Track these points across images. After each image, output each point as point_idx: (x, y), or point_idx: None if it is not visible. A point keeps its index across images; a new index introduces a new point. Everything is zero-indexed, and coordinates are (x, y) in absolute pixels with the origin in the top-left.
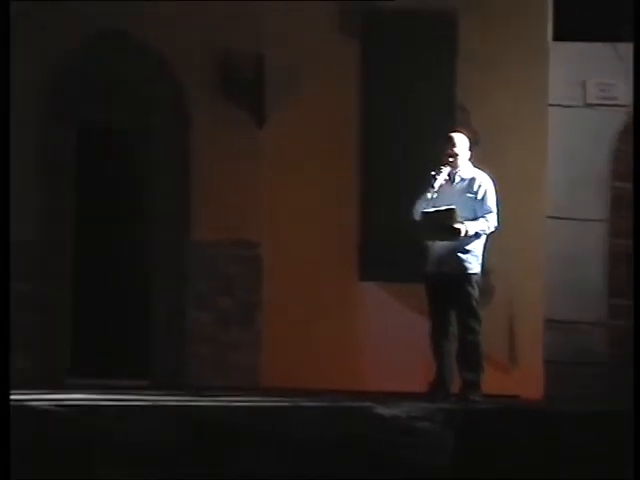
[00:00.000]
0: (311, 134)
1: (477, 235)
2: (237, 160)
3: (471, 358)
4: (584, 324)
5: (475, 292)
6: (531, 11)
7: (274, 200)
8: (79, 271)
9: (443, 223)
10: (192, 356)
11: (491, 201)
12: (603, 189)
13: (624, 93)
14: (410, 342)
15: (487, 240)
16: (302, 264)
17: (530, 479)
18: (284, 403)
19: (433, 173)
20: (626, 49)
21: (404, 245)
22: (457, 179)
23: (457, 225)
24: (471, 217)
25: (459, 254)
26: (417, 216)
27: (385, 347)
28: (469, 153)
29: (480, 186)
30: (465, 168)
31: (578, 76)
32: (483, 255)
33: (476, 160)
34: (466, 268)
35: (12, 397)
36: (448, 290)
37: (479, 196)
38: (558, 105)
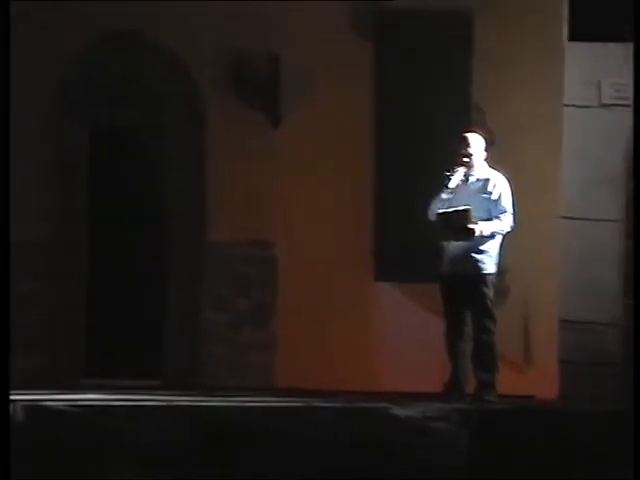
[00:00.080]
0: (326, 134)
1: (492, 235)
2: (252, 160)
3: (486, 358)
4: (599, 324)
5: (490, 292)
6: (546, 11)
7: (289, 200)
8: (94, 271)
9: (458, 223)
10: (207, 356)
11: (506, 201)
12: (618, 189)
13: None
14: (425, 342)
15: (502, 240)
16: (317, 264)
17: (545, 479)
18: (298, 404)
19: (448, 173)
20: None
21: (419, 245)
22: (472, 179)
23: (472, 225)
24: (486, 217)
25: (474, 254)
26: (432, 216)
27: (400, 347)
28: (484, 153)
29: (495, 186)
30: (480, 168)
31: (593, 76)
32: (498, 255)
33: (491, 160)
34: (481, 268)
35: (27, 397)
36: (463, 290)
37: (494, 196)
38: (573, 105)
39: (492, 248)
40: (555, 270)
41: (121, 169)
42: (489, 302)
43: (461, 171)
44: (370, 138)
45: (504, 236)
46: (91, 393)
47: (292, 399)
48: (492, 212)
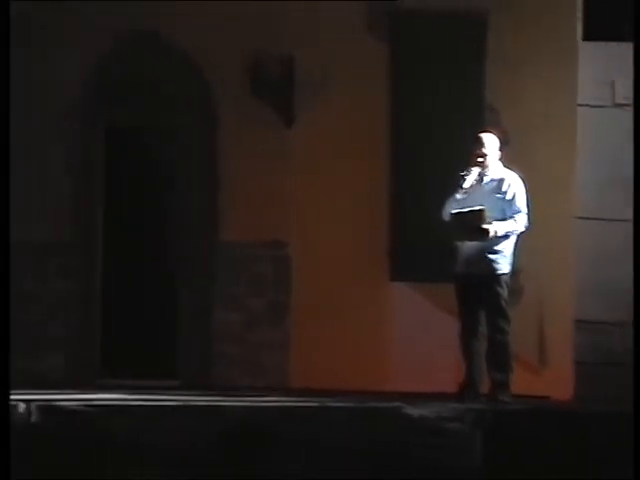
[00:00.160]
0: (340, 134)
1: (506, 235)
2: (266, 160)
3: (500, 358)
4: (613, 324)
5: (504, 292)
6: (561, 11)
7: (303, 200)
8: (108, 271)
9: (472, 224)
10: (220, 356)
11: (520, 201)
12: (632, 189)
13: None
14: (439, 342)
15: (517, 240)
16: (331, 264)
17: None
18: (313, 403)
19: (462, 173)
20: None
21: (434, 245)
22: (486, 179)
23: (486, 226)
24: (500, 217)
25: (488, 254)
26: (447, 216)
27: (414, 347)
28: (499, 153)
29: (509, 186)
30: (494, 168)
31: (607, 76)
32: (512, 255)
33: (505, 160)
34: (495, 268)
35: (43, 397)
36: (477, 290)
37: (508, 196)
38: (587, 105)
39: (506, 248)
40: (570, 270)
41: (135, 169)
42: (503, 302)
43: (475, 171)
44: (385, 138)
45: (518, 236)
46: (108, 393)
47: (306, 399)
48: (506, 212)
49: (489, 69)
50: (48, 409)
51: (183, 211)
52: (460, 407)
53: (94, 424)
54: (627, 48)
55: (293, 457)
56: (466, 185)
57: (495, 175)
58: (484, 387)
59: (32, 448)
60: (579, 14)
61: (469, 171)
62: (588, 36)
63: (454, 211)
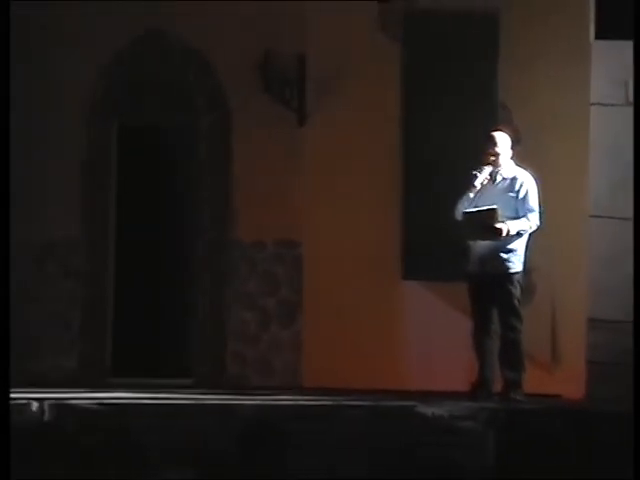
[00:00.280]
0: (352, 133)
1: (519, 234)
2: (278, 159)
3: (513, 357)
4: (627, 323)
5: (517, 291)
6: (573, 10)
7: (316, 199)
8: (121, 270)
9: (485, 223)
10: (233, 355)
11: (533, 200)
12: None
13: None
14: (452, 341)
15: (529, 239)
16: (344, 263)
17: (571, 479)
18: (326, 402)
19: (475, 172)
20: None
21: (446, 244)
22: (499, 178)
23: (499, 225)
24: (513, 216)
25: (501, 253)
26: (459, 216)
27: (427, 346)
28: (511, 152)
29: (522, 185)
30: (507, 167)
31: (620, 75)
32: (525, 254)
33: (518, 159)
34: (508, 267)
35: (56, 395)
36: (490, 289)
37: (521, 195)
38: (599, 104)
39: (519, 247)
40: (582, 269)
41: (148, 168)
42: (516, 301)
43: (488, 170)
44: (397, 137)
45: (531, 235)
46: (120, 392)
47: (320, 398)
48: (519, 211)
49: (501, 68)
50: (61, 408)
51: (196, 210)
52: (473, 406)
53: (107, 422)
54: None
55: (307, 456)
56: (478, 184)
57: (507, 174)
58: (497, 386)
59: (45, 446)
60: (592, 13)
61: (481, 170)
62: (601, 35)
63: (466, 210)
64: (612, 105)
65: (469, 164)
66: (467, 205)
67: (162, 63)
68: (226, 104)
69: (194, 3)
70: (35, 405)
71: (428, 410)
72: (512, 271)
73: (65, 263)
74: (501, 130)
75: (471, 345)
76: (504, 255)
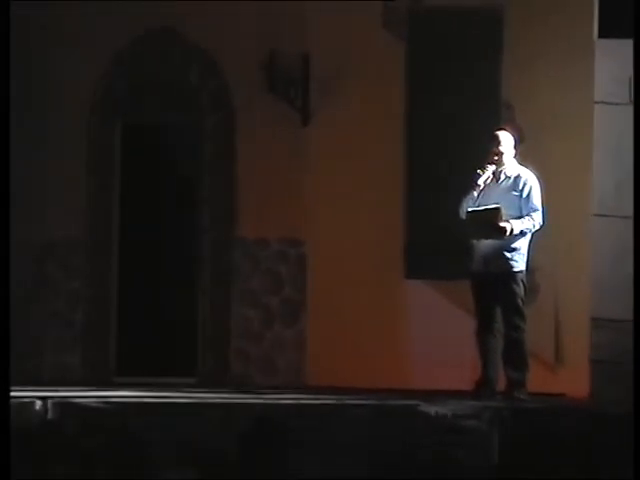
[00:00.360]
0: (357, 132)
1: (522, 233)
2: (282, 158)
3: (516, 356)
4: (630, 323)
5: (520, 290)
6: (577, 8)
7: (319, 198)
8: (126, 269)
9: (488, 222)
10: (236, 353)
11: (536, 199)
12: None
13: None
14: (456, 340)
15: (532, 238)
16: (347, 262)
17: (575, 479)
18: (329, 401)
19: (478, 171)
20: None
21: (450, 243)
22: (502, 177)
23: (502, 224)
24: (516, 215)
25: (504, 252)
26: (463, 215)
27: (430, 345)
28: (514, 151)
29: (525, 184)
30: (510, 166)
31: (623, 73)
32: (528, 253)
33: (521, 157)
34: (511, 266)
35: (61, 394)
36: (494, 288)
37: (524, 194)
38: (603, 102)
39: (522, 246)
40: (586, 268)
41: (152, 168)
42: (519, 300)
43: (491, 169)
44: (401, 136)
45: (534, 234)
46: (124, 390)
47: (323, 396)
48: (522, 210)
49: (505, 66)
50: (64, 406)
51: (199, 209)
52: (476, 405)
53: (110, 421)
54: None
55: (310, 454)
56: (482, 183)
57: (511, 173)
58: (500, 385)
59: (48, 445)
60: (595, 11)
61: (485, 169)
62: (604, 33)
63: (470, 209)
64: (616, 104)
65: (473, 163)
66: (471, 204)
67: (166, 62)
68: (230, 104)
69: (199, 2)
70: (38, 404)
71: (431, 409)
72: (516, 270)
73: (65, 263)
74: (504, 129)
75: (474, 344)
76: (508, 254)
